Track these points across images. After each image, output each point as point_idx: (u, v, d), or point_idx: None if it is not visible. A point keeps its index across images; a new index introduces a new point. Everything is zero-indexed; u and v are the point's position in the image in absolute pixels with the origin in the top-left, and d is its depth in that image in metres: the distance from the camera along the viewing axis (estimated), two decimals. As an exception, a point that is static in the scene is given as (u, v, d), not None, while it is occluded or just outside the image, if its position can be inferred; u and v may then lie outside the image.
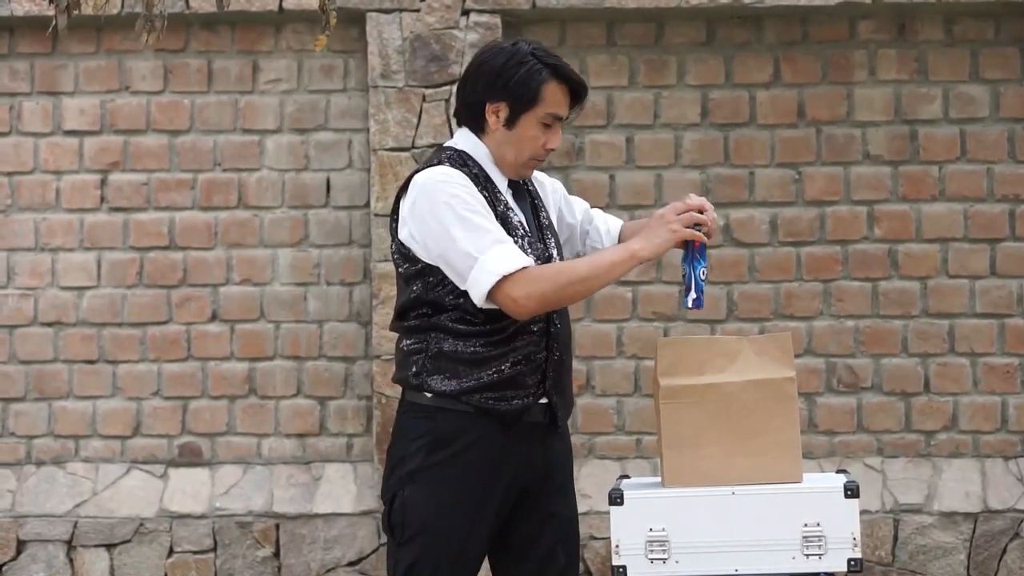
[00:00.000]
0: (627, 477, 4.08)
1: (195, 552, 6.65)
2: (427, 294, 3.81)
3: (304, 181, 6.77)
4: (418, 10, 6.58)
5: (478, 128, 3.88)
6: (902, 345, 6.68)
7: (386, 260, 6.54)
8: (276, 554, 6.64)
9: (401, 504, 3.81)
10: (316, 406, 6.76)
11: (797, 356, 6.53)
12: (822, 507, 3.67)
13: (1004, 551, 6.54)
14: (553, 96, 3.83)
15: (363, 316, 6.73)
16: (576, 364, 5.61)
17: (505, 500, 3.85)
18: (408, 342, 3.87)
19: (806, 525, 3.67)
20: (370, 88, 6.61)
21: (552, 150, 3.89)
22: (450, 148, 3.92)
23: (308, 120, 6.77)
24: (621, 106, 6.70)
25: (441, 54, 6.57)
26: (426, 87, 6.58)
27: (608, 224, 4.17)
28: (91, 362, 6.79)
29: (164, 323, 6.78)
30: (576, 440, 6.14)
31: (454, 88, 6.53)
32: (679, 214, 3.77)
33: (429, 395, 3.81)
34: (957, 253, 6.67)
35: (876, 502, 6.55)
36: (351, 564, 6.63)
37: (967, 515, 6.56)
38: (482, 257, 3.72)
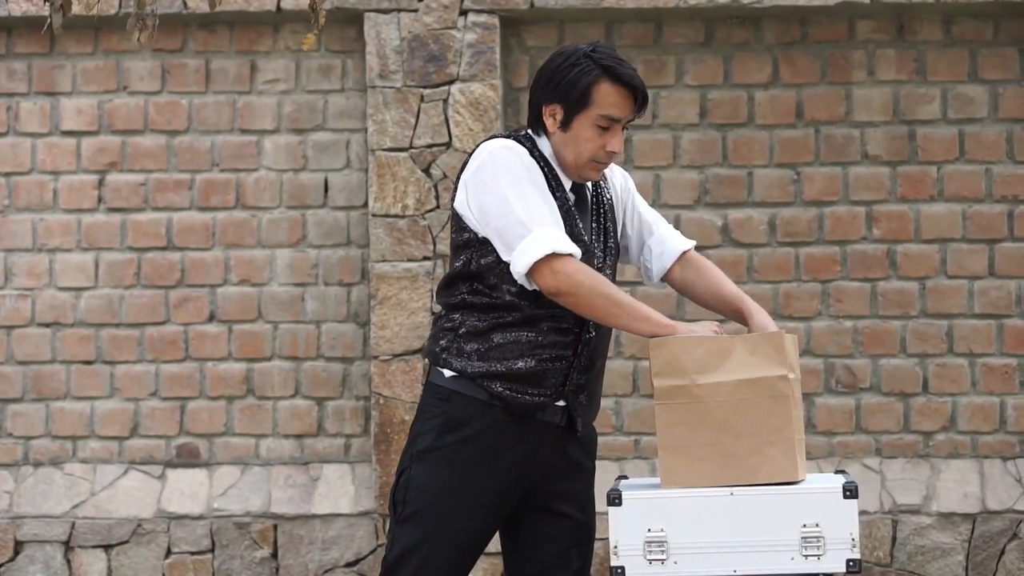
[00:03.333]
0: (625, 477, 4.06)
1: (193, 553, 6.64)
2: (470, 267, 3.81)
3: (302, 181, 6.76)
4: (416, 10, 6.57)
5: (540, 130, 3.89)
6: (900, 345, 6.67)
7: (384, 260, 6.53)
8: (274, 555, 6.63)
9: (406, 481, 3.84)
10: (314, 407, 6.75)
11: (796, 356, 6.55)
12: (821, 507, 3.66)
13: (1003, 552, 6.53)
14: (606, 97, 3.79)
15: (361, 316, 6.72)
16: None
17: (509, 493, 3.85)
18: (444, 316, 3.88)
19: (805, 526, 3.65)
20: (368, 88, 6.59)
21: (614, 152, 3.84)
22: (523, 129, 3.93)
23: (306, 120, 6.76)
24: (619, 106, 6.69)
25: (439, 54, 6.56)
26: (424, 87, 6.57)
27: (665, 246, 4.10)
28: (89, 363, 6.78)
29: (162, 323, 6.77)
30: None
31: (452, 88, 6.60)
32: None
33: (448, 373, 3.82)
34: (956, 253, 6.66)
35: (875, 503, 6.54)
36: (349, 565, 6.62)
37: (965, 516, 6.55)
38: (537, 230, 3.72)
